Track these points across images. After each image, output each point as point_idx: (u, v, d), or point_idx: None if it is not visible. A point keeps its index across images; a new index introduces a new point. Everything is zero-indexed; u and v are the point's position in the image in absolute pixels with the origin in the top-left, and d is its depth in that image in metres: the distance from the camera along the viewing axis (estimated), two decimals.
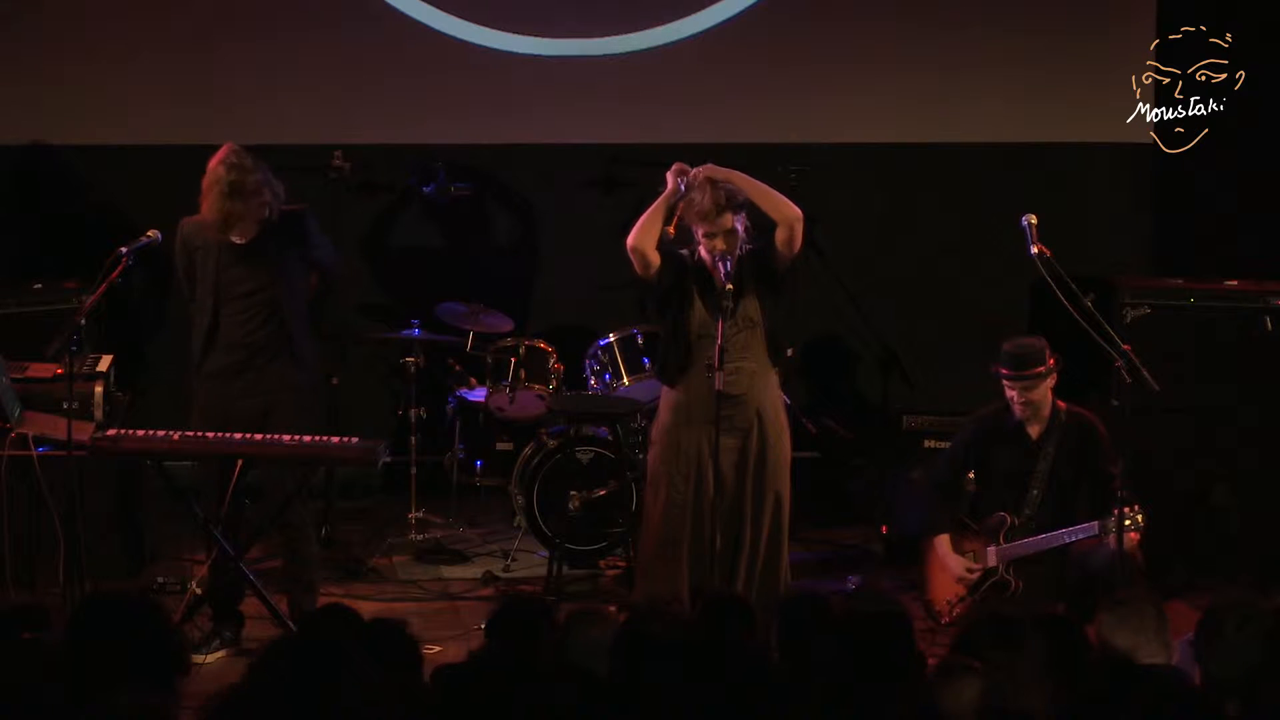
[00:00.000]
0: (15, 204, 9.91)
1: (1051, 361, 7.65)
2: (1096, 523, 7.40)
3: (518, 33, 10.00)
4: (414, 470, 9.17)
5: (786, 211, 7.30)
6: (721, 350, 7.07)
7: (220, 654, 7.60)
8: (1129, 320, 8.67)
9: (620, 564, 8.77)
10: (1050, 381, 7.66)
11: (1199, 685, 4.78)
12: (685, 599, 7.17)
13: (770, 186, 7.41)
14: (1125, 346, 7.22)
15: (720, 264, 7.26)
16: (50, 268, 9.27)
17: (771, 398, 7.44)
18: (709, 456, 7.22)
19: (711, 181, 7.27)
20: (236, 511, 7.60)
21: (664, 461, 7.42)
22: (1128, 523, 7.23)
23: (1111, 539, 7.27)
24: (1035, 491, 7.66)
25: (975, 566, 7.69)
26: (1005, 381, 7.66)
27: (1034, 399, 7.64)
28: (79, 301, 8.30)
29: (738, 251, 7.30)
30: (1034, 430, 7.70)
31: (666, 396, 7.49)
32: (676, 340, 7.40)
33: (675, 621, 4.99)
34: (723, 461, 7.26)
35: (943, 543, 7.75)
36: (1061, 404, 7.72)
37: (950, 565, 7.71)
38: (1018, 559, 7.64)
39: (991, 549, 7.67)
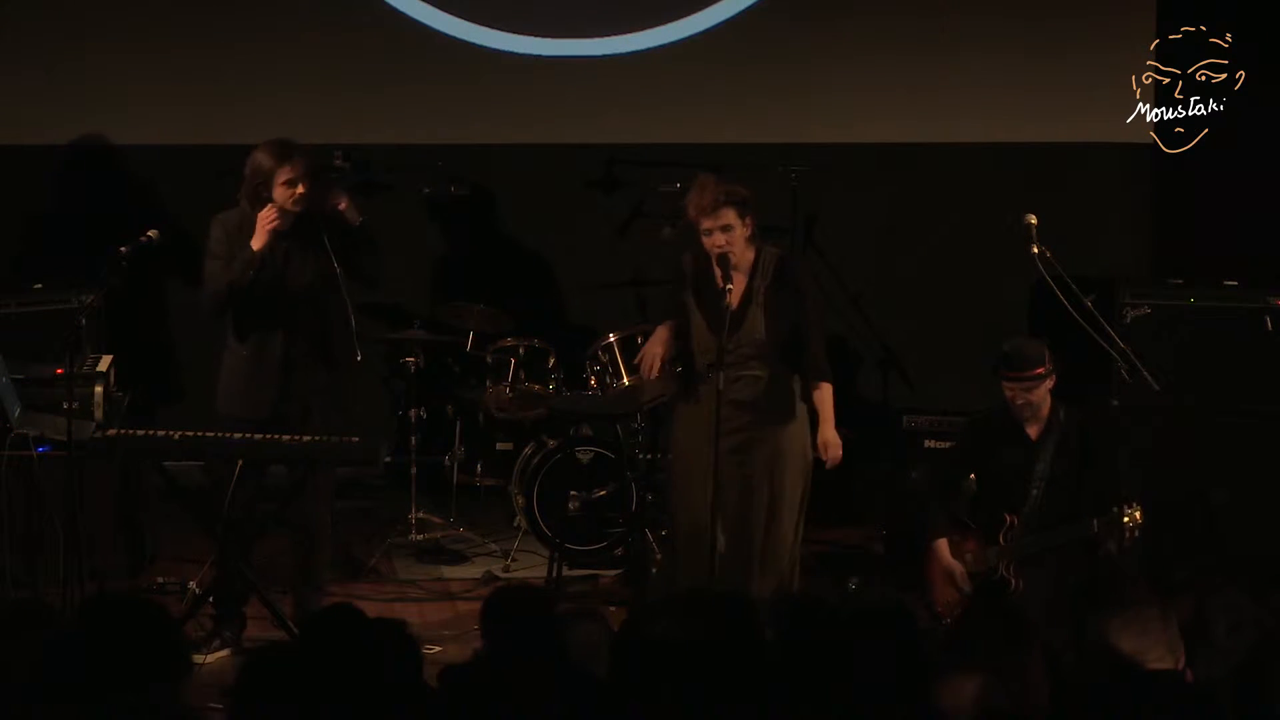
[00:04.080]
0: (15, 204, 9.91)
1: (1051, 363, 7.64)
2: (1094, 521, 7.40)
3: (518, 33, 10.00)
4: (414, 470, 9.17)
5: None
6: (723, 351, 7.07)
7: (221, 654, 7.60)
8: (1129, 320, 8.67)
9: (619, 565, 8.77)
10: (1050, 382, 7.65)
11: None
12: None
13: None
14: (1125, 346, 7.22)
15: (719, 264, 7.26)
16: (50, 268, 9.27)
17: (784, 401, 7.43)
18: (712, 459, 7.22)
19: (711, 179, 7.27)
20: (240, 511, 7.60)
21: (677, 464, 7.49)
22: (1125, 520, 7.24)
23: (1111, 538, 7.28)
24: (1035, 491, 7.65)
25: (975, 567, 7.69)
26: (1005, 382, 7.65)
27: (1033, 399, 7.62)
28: (79, 301, 8.30)
29: (746, 251, 7.30)
30: (1033, 430, 7.69)
31: (677, 400, 7.53)
32: (684, 346, 7.42)
33: (676, 621, 4.99)
34: (732, 464, 7.28)
35: (942, 545, 7.74)
36: (1061, 404, 7.72)
37: (950, 566, 7.71)
38: (1018, 559, 7.64)
39: (991, 549, 7.67)
